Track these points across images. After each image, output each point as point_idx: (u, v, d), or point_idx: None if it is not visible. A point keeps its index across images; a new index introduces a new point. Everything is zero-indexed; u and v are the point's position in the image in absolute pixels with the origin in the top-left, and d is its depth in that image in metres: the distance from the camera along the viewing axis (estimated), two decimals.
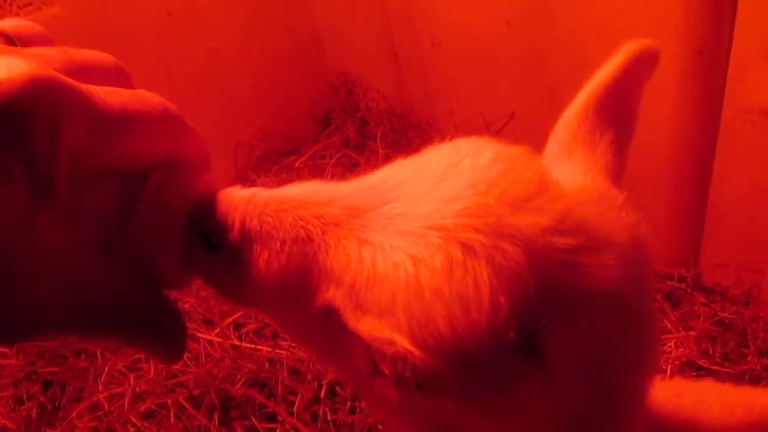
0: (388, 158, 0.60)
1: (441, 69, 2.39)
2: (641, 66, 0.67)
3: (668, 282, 1.97)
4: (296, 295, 0.53)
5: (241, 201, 0.54)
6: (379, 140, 2.58)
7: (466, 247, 0.46)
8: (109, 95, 0.48)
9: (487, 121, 2.19)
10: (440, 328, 0.45)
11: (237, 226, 0.53)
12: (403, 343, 0.47)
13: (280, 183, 0.58)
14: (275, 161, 2.66)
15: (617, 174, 0.62)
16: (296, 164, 2.59)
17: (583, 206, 0.52)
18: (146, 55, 2.21)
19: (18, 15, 1.92)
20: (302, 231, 0.52)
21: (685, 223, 1.96)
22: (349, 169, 2.50)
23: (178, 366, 1.87)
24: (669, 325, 1.84)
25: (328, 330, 0.53)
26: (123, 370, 1.90)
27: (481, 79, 2.24)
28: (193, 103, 2.35)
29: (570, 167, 0.61)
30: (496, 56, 2.15)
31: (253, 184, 2.25)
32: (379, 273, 0.48)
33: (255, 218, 0.53)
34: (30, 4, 1.95)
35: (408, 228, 0.48)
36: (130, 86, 0.54)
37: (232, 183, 0.58)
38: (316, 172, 2.51)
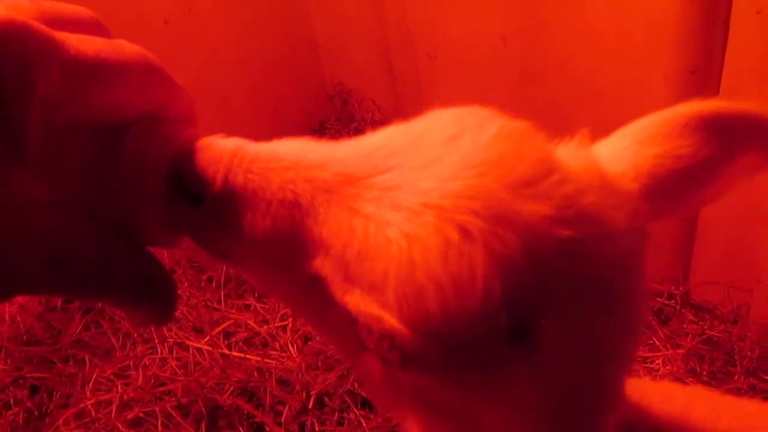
0: None
1: (436, 82, 2.40)
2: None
3: (657, 299, 1.98)
4: (282, 259, 0.51)
5: (224, 153, 0.51)
6: None
7: (464, 230, 0.44)
8: (83, 43, 0.45)
9: None
10: (431, 311, 0.44)
11: (219, 179, 0.50)
12: (392, 321, 0.46)
13: None
14: None
15: (653, 188, 0.58)
16: None
17: (587, 192, 0.49)
18: None
19: None
20: (290, 194, 0.49)
21: (675, 239, 1.97)
22: None
23: (166, 374, 1.86)
24: (657, 343, 1.84)
25: (316, 298, 0.51)
26: (111, 377, 1.89)
27: (476, 92, 2.25)
28: None
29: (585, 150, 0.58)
30: (490, 71, 2.16)
31: None
32: (371, 247, 0.46)
33: (240, 174, 0.50)
34: None
35: (403, 203, 0.46)
36: (109, 38, 0.51)
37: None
38: None
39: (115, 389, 1.84)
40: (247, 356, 1.89)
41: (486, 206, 0.45)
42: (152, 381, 1.85)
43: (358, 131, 2.75)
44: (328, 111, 2.89)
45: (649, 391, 0.81)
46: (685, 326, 1.91)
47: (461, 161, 0.47)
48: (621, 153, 0.60)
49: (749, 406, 0.91)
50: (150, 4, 2.24)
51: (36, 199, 0.46)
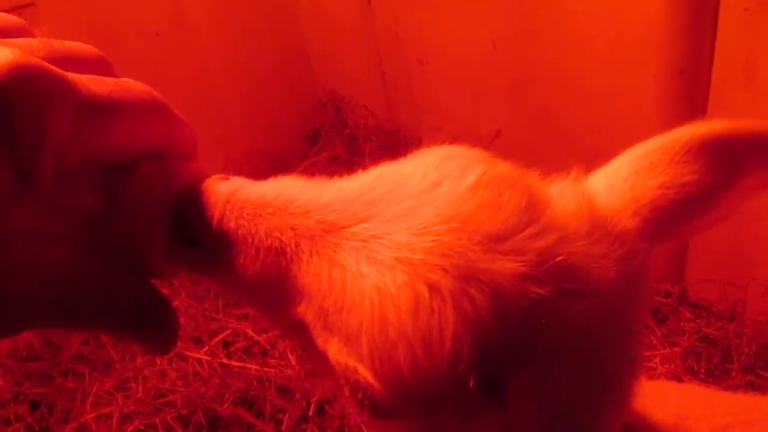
0: None
1: (428, 87, 2.41)
2: None
3: (655, 297, 1.99)
4: (271, 300, 0.54)
5: (219, 198, 0.53)
6: (367, 156, 2.60)
7: (433, 289, 0.45)
8: (94, 84, 0.47)
9: (473, 138, 2.21)
10: (401, 368, 0.45)
11: (215, 225, 0.52)
12: (366, 374, 0.47)
13: None
14: (264, 178, 2.65)
15: (655, 221, 0.57)
16: None
17: (572, 241, 0.49)
18: (135, 74, 2.19)
19: None
20: (276, 241, 0.51)
21: None
22: None
23: (166, 385, 1.86)
24: (655, 341, 1.85)
25: (302, 337, 0.53)
26: (111, 390, 1.89)
27: (468, 97, 2.26)
28: None
29: (573, 185, 0.57)
30: (482, 75, 2.17)
31: None
32: (347, 300, 0.48)
33: (232, 220, 0.52)
34: None
35: (378, 256, 0.47)
36: (115, 77, 0.53)
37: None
38: None
39: (115, 402, 1.84)
40: (247, 365, 1.89)
41: (455, 264, 0.45)
42: (152, 393, 1.85)
43: (352, 137, 2.76)
44: (322, 118, 2.90)
45: (646, 390, 0.82)
46: (682, 324, 1.92)
47: (436, 213, 0.48)
48: (618, 186, 0.59)
49: (744, 401, 0.91)
50: (141, 17, 2.25)
51: (45, 230, 0.48)
